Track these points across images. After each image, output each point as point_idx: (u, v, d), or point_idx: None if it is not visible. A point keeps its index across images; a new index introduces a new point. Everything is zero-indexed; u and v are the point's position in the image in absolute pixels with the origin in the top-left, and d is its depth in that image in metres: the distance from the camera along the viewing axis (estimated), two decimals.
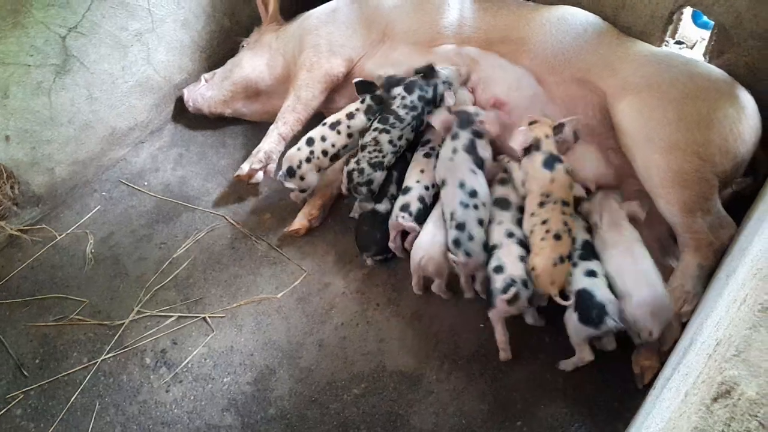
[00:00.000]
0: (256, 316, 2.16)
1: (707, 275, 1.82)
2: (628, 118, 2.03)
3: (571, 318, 1.80)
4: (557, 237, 1.88)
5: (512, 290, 1.80)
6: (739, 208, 1.97)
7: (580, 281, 1.84)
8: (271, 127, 2.62)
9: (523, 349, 1.98)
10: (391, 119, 2.27)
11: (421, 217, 2.13)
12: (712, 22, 2.24)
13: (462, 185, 2.06)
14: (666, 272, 1.91)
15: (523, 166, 2.11)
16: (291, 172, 2.30)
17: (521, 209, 2.08)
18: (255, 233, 2.44)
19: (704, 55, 2.36)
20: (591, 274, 1.84)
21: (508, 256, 1.91)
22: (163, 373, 2.02)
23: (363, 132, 2.35)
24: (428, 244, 2.04)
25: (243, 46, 2.92)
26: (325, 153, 2.33)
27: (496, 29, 2.37)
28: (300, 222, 2.39)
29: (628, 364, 1.86)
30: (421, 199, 2.16)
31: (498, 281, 1.84)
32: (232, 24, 3.01)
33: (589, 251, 1.94)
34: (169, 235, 2.47)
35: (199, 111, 2.86)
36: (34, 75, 2.31)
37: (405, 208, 2.13)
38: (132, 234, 2.48)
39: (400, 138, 2.27)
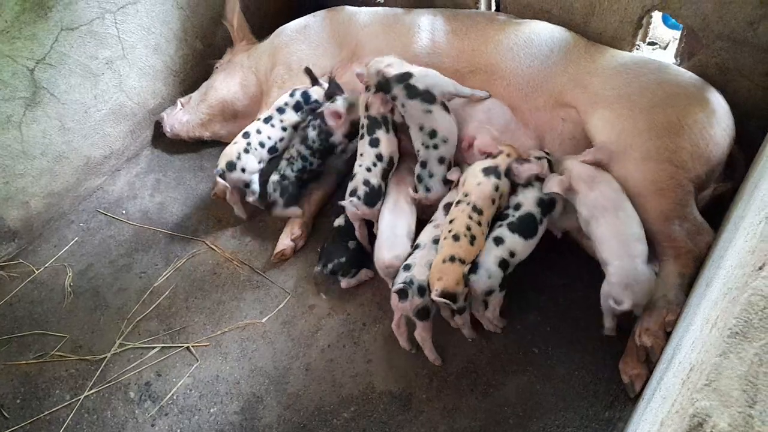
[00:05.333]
0: (241, 343, 2.13)
1: (689, 283, 1.80)
2: (601, 131, 2.03)
3: None
4: (456, 237, 1.91)
5: (402, 285, 1.85)
6: (718, 211, 1.96)
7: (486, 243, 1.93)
8: None
9: (512, 361, 1.96)
10: None
11: (370, 199, 2.15)
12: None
13: (421, 128, 2.13)
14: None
15: (468, 168, 2.12)
16: (231, 166, 2.35)
17: None
18: (236, 257, 2.41)
19: (675, 57, 2.38)
20: (497, 240, 1.92)
21: (422, 260, 1.94)
22: (148, 406, 1.98)
23: (296, 126, 2.45)
24: (390, 241, 2.06)
25: (216, 68, 2.90)
26: (262, 144, 2.43)
27: (465, 54, 2.34)
28: (283, 243, 2.36)
29: (618, 373, 1.84)
30: (366, 182, 2.16)
31: (400, 277, 1.90)
32: (204, 46, 2.99)
33: (525, 225, 1.94)
34: (149, 263, 2.43)
35: (177, 136, 2.83)
36: (2, 109, 2.27)
37: (353, 193, 2.16)
38: (111, 264, 2.44)
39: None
